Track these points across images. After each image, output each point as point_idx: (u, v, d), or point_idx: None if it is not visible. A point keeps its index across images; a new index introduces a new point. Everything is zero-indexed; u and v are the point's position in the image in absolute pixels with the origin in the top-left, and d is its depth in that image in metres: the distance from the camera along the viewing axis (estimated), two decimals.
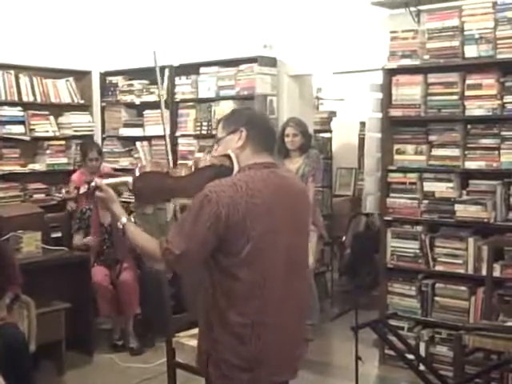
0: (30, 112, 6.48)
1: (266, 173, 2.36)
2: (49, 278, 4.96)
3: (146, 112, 6.73)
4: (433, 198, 4.75)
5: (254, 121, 2.46)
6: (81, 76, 6.99)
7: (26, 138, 6.42)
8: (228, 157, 2.41)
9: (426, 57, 4.70)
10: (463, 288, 4.61)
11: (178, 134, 6.43)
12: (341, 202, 7.54)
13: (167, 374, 3.78)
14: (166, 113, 5.86)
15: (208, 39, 6.31)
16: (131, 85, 6.86)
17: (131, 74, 6.89)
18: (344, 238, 6.73)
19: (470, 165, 4.58)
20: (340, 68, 5.78)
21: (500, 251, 4.47)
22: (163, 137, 6.30)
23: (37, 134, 6.53)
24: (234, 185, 2.27)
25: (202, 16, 6.39)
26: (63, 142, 6.77)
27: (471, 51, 4.50)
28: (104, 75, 7.10)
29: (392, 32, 4.85)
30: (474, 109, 4.52)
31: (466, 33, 4.52)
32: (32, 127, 6.48)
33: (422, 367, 4.12)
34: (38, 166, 6.53)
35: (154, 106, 6.59)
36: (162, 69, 6.03)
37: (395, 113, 4.86)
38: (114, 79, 7.04)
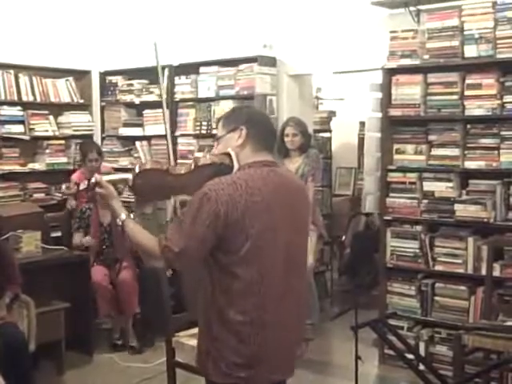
0: (29, 111, 6.47)
1: (266, 171, 2.36)
2: (48, 277, 4.96)
3: (146, 112, 6.73)
4: (432, 198, 4.75)
5: (254, 119, 2.46)
6: (80, 75, 6.98)
7: (26, 137, 6.41)
8: (228, 155, 2.41)
9: (426, 56, 4.70)
10: (463, 288, 4.62)
11: (177, 133, 6.43)
12: (340, 202, 7.54)
13: (167, 373, 3.78)
14: (166, 112, 5.86)
15: (208, 39, 6.31)
16: (131, 84, 6.86)
17: (131, 73, 6.89)
18: (344, 237, 6.72)
19: (470, 164, 4.59)
20: (340, 68, 5.78)
21: (500, 251, 4.47)
22: (164, 136, 6.34)
23: (36, 134, 6.52)
24: (234, 183, 2.27)
25: (201, 16, 6.39)
26: (63, 142, 6.77)
27: (471, 51, 4.50)
28: (104, 75, 7.10)
29: (392, 32, 4.86)
30: (474, 108, 4.52)
31: (465, 32, 4.52)
32: (32, 127, 6.48)
33: (421, 367, 4.12)
34: (37, 166, 6.53)
35: (154, 105, 6.60)
36: (162, 68, 6.02)
37: (395, 112, 4.86)
38: (113, 79, 7.04)
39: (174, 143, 6.37)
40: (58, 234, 6.05)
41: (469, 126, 4.61)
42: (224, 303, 2.30)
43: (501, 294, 4.41)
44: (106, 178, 2.49)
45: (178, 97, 6.44)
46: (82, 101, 6.94)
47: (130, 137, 6.89)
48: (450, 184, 4.67)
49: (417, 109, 4.75)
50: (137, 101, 6.79)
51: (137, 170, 2.46)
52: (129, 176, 2.47)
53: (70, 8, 6.76)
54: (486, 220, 4.48)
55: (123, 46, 6.86)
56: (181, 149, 6.40)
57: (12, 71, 6.38)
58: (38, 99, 6.58)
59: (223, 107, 5.94)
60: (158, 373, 4.59)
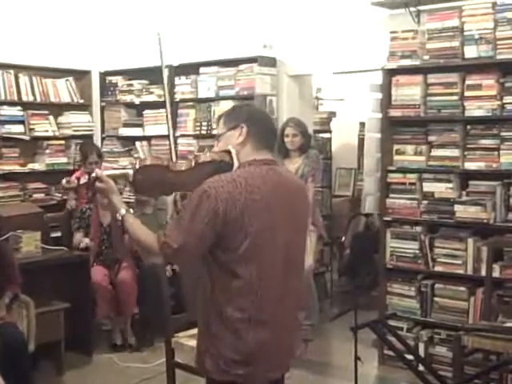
0: (29, 112, 6.47)
1: (266, 169, 2.37)
2: (48, 277, 4.96)
3: (146, 112, 6.73)
4: (432, 199, 4.75)
5: (254, 117, 2.47)
6: (80, 76, 6.98)
7: (26, 137, 6.41)
8: (228, 152, 2.41)
9: (426, 57, 4.70)
10: (462, 288, 4.61)
11: (177, 133, 6.42)
12: (340, 203, 7.54)
13: (166, 373, 3.78)
14: (168, 108, 5.86)
15: (208, 39, 6.31)
16: (131, 85, 6.86)
17: (131, 73, 6.90)
18: (343, 238, 6.72)
19: (470, 165, 4.58)
20: (340, 68, 5.78)
21: (499, 252, 4.47)
22: (164, 136, 6.35)
23: (36, 134, 6.52)
24: (233, 181, 2.27)
25: (201, 16, 6.39)
26: (63, 142, 6.77)
27: (471, 52, 4.50)
28: (104, 75, 7.10)
29: (392, 32, 4.86)
30: (474, 109, 4.52)
31: (465, 33, 4.52)
32: (31, 127, 6.48)
33: (421, 368, 4.11)
34: (37, 166, 6.53)
35: (154, 105, 6.61)
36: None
37: (395, 113, 4.86)
38: (113, 79, 7.04)
39: (174, 143, 6.37)
40: (58, 234, 6.05)
41: (469, 127, 4.61)
42: (223, 301, 2.31)
43: (500, 295, 4.40)
44: (106, 172, 2.49)
45: (178, 97, 6.44)
46: (82, 101, 6.94)
47: (129, 137, 6.90)
48: (450, 185, 4.67)
49: (417, 109, 4.75)
50: (137, 101, 6.79)
51: (137, 166, 2.46)
52: (129, 171, 2.47)
53: (70, 8, 6.76)
54: (485, 221, 4.48)
55: (123, 46, 6.86)
56: (181, 149, 6.40)
57: (12, 71, 6.38)
58: (38, 99, 6.59)
59: (223, 107, 5.92)
60: (158, 373, 4.59)
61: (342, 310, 6.12)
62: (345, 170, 8.02)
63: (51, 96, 6.71)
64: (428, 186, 4.78)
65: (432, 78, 4.70)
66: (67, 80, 6.84)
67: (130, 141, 6.93)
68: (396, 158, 4.91)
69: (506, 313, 4.31)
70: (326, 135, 7.52)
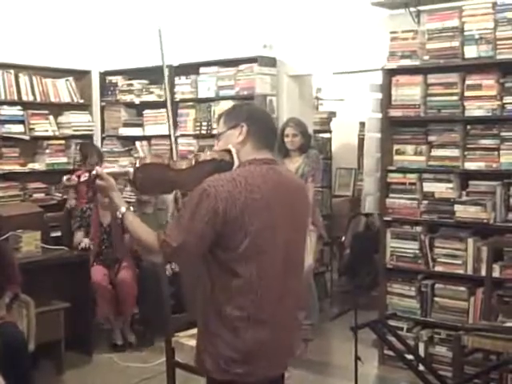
0: (29, 111, 6.47)
1: (266, 169, 2.37)
2: (48, 277, 4.96)
3: (146, 112, 6.73)
4: (432, 199, 4.75)
5: (254, 116, 2.46)
6: (80, 75, 6.98)
7: (26, 137, 6.41)
8: (228, 151, 2.41)
9: (426, 57, 4.70)
10: (462, 288, 4.62)
11: (177, 133, 6.42)
12: (340, 203, 7.54)
13: (166, 373, 3.79)
14: (169, 106, 5.87)
15: (208, 39, 6.31)
16: (131, 84, 6.86)
17: (131, 73, 6.90)
18: (343, 238, 6.73)
19: (470, 165, 4.59)
20: (340, 68, 5.78)
21: (499, 252, 4.47)
22: (164, 136, 6.36)
23: (36, 134, 6.52)
24: (233, 180, 2.27)
25: (201, 16, 6.39)
26: (63, 142, 6.77)
27: (471, 52, 4.50)
28: (104, 75, 7.10)
29: (392, 32, 4.86)
30: (474, 109, 4.52)
31: (465, 33, 4.52)
32: (31, 126, 6.48)
33: (421, 367, 4.11)
34: (37, 166, 6.53)
35: (154, 105, 6.62)
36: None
37: (395, 113, 4.86)
38: (113, 79, 7.04)
39: (174, 143, 6.38)
40: (58, 233, 6.06)
41: (469, 127, 4.61)
42: (222, 299, 2.31)
43: (500, 295, 4.40)
44: (106, 170, 2.49)
45: (178, 97, 6.44)
46: (82, 101, 6.95)
47: (129, 137, 6.90)
48: (450, 185, 4.67)
49: (417, 109, 4.75)
50: (137, 101, 6.79)
51: (137, 165, 2.46)
52: (129, 169, 2.47)
53: (70, 8, 6.76)
54: (485, 221, 4.48)
55: (123, 46, 6.86)
56: (181, 149, 6.39)
57: (12, 71, 6.38)
58: (38, 99, 6.59)
59: (223, 107, 5.90)
60: (158, 373, 4.59)
61: (342, 309, 6.13)
62: (345, 169, 8.03)
63: (51, 96, 6.71)
64: (428, 186, 4.78)
65: (432, 78, 4.70)
66: (67, 80, 6.84)
67: (129, 141, 6.93)
68: (396, 157, 4.91)
69: (506, 313, 4.31)
70: (326, 135, 7.52)
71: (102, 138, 7.09)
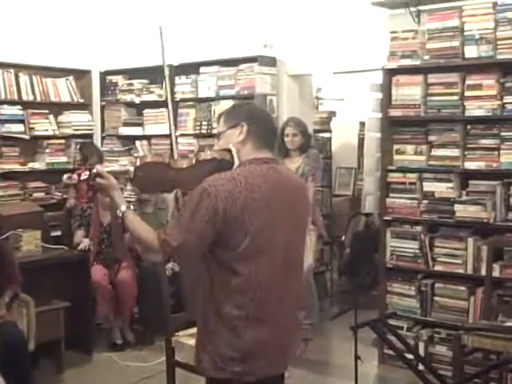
0: (29, 111, 6.48)
1: (266, 168, 2.37)
2: (48, 276, 4.96)
3: (146, 111, 6.74)
4: (432, 198, 4.75)
5: (255, 116, 2.47)
6: (81, 75, 6.99)
7: (26, 136, 6.41)
8: (229, 151, 2.41)
9: (426, 57, 4.70)
10: (462, 288, 4.62)
11: (177, 133, 6.42)
12: (340, 202, 7.54)
13: (166, 372, 3.79)
14: (167, 112, 5.88)
15: (208, 39, 6.31)
16: (131, 84, 6.86)
17: (131, 73, 6.90)
18: (343, 237, 6.73)
19: (470, 165, 4.59)
20: (340, 68, 5.78)
21: (499, 251, 4.47)
22: (164, 136, 6.36)
23: (36, 133, 6.53)
24: (234, 179, 2.28)
25: (202, 15, 6.39)
26: (63, 141, 6.78)
27: (471, 52, 4.50)
28: (104, 74, 7.11)
29: (392, 32, 4.86)
30: (474, 109, 4.52)
31: (466, 33, 4.52)
32: (32, 126, 6.48)
33: (421, 367, 4.11)
34: (37, 165, 6.53)
35: (154, 105, 6.62)
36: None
37: (395, 113, 4.86)
38: (113, 78, 7.04)
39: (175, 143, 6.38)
40: (58, 233, 6.07)
41: (469, 127, 4.61)
42: (221, 298, 2.31)
43: (500, 295, 4.41)
44: (106, 169, 2.49)
45: (178, 96, 6.44)
46: (82, 100, 6.95)
47: (130, 136, 6.90)
48: (450, 184, 4.67)
49: (417, 109, 4.75)
50: (137, 100, 6.80)
51: (138, 163, 2.46)
52: (130, 168, 2.47)
53: (71, 7, 6.77)
54: (485, 220, 4.48)
55: (123, 45, 6.86)
56: (181, 149, 6.39)
57: (12, 70, 6.39)
58: (38, 98, 6.59)
59: (223, 107, 5.91)
60: (158, 372, 4.59)
61: (342, 309, 6.14)
62: (345, 169, 8.03)
63: (51, 95, 6.71)
64: (428, 186, 4.78)
65: (432, 78, 4.70)
66: (67, 79, 6.84)
67: (130, 140, 6.93)
68: (396, 157, 4.91)
69: (506, 312, 4.31)
70: (326, 135, 7.52)
71: (102, 138, 7.10)
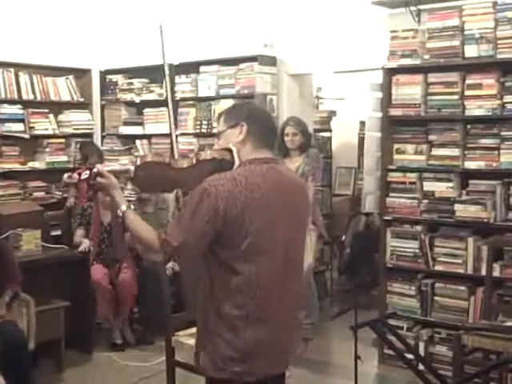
0: (29, 110, 6.47)
1: (266, 168, 2.37)
2: (48, 276, 4.97)
3: (146, 110, 6.74)
4: (432, 198, 4.75)
5: (254, 115, 2.46)
6: (81, 74, 6.99)
7: (26, 135, 6.41)
8: (229, 151, 2.41)
9: (426, 56, 4.70)
10: (463, 288, 4.62)
11: (177, 132, 6.42)
12: (340, 202, 7.54)
13: (166, 372, 3.78)
14: (167, 111, 5.87)
15: (208, 38, 6.31)
16: (131, 83, 6.86)
17: (131, 72, 6.90)
18: (344, 237, 6.73)
19: (470, 165, 4.59)
20: (340, 67, 5.78)
21: (499, 251, 4.47)
22: (164, 135, 6.36)
23: (36, 132, 6.53)
24: (234, 179, 2.28)
25: (202, 15, 6.38)
26: (63, 140, 6.78)
27: (471, 51, 4.50)
28: (104, 73, 7.11)
29: (392, 31, 4.86)
30: (474, 109, 4.52)
31: (466, 32, 4.52)
32: (32, 125, 6.48)
33: (421, 367, 4.11)
34: (37, 164, 6.53)
35: (154, 104, 6.61)
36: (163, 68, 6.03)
37: (395, 112, 4.86)
38: (113, 77, 7.04)
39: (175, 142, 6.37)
40: (58, 232, 6.07)
41: (469, 126, 4.61)
42: (221, 297, 2.31)
43: (500, 295, 4.41)
44: (107, 168, 2.49)
45: (178, 96, 6.44)
46: (82, 99, 6.95)
47: (130, 135, 6.90)
48: (450, 184, 4.67)
49: (417, 109, 4.75)
50: (137, 99, 6.80)
51: (138, 163, 2.46)
52: (130, 167, 2.47)
53: (71, 7, 6.76)
54: (485, 220, 4.48)
55: (124, 44, 6.86)
56: (181, 148, 6.38)
57: (12, 69, 6.39)
58: (38, 98, 6.59)
59: (223, 106, 5.90)
60: (158, 372, 4.59)
61: (342, 308, 6.14)
62: (345, 168, 8.02)
63: (51, 94, 6.71)
64: (428, 185, 4.78)
65: (432, 78, 4.70)
66: (67, 78, 6.84)
67: (130, 139, 6.93)
68: (396, 157, 4.91)
69: (506, 312, 4.31)
70: (327, 134, 7.52)
71: (102, 137, 7.10)
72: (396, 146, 4.91)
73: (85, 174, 2.48)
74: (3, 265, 4.28)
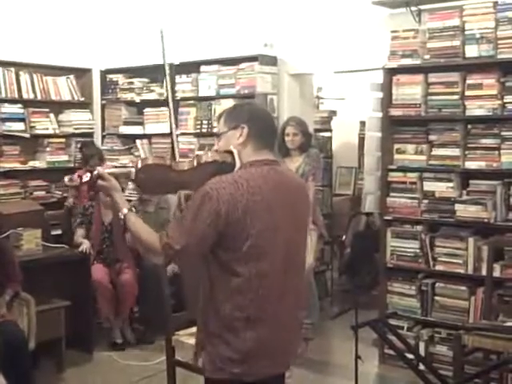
0: (30, 109, 6.48)
1: (266, 169, 2.37)
2: (49, 275, 4.97)
3: (146, 110, 6.73)
4: (433, 198, 4.75)
5: (255, 117, 2.46)
6: (81, 73, 6.99)
7: (26, 135, 6.41)
8: (230, 153, 2.41)
9: (427, 56, 4.70)
10: (463, 288, 4.62)
11: (178, 132, 6.41)
12: (341, 201, 7.54)
13: (167, 372, 3.78)
14: (167, 111, 5.88)
15: (209, 37, 6.31)
16: (131, 83, 6.86)
17: (132, 72, 6.90)
18: (344, 237, 6.73)
19: (471, 165, 4.59)
20: (340, 67, 5.78)
21: (500, 251, 4.47)
22: (164, 135, 6.36)
23: (37, 132, 6.53)
24: (235, 182, 2.28)
25: (202, 14, 6.38)
26: (63, 140, 6.78)
27: (472, 51, 4.50)
28: (104, 73, 7.11)
29: (393, 31, 4.86)
30: (475, 109, 4.52)
31: (466, 32, 4.52)
32: (32, 124, 6.48)
33: (421, 367, 4.13)
34: (38, 164, 6.54)
35: (155, 104, 6.61)
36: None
37: (395, 112, 4.86)
38: (114, 77, 7.04)
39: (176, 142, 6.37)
40: (59, 231, 6.07)
41: (469, 126, 4.61)
42: (222, 299, 2.31)
43: (501, 295, 4.41)
44: (108, 170, 2.49)
45: (178, 95, 6.44)
46: (82, 99, 6.96)
47: (130, 135, 6.90)
48: (451, 184, 4.67)
49: (417, 109, 4.75)
50: (137, 99, 6.79)
51: (139, 165, 2.46)
52: (131, 170, 2.47)
53: (71, 6, 6.77)
54: (486, 220, 4.48)
55: (124, 44, 6.86)
56: (181, 147, 6.39)
57: (13, 69, 6.39)
58: (39, 97, 6.59)
59: (224, 106, 5.91)
60: (158, 371, 4.59)
61: (343, 308, 6.14)
62: (345, 168, 8.02)
63: (52, 94, 6.71)
64: (428, 185, 4.78)
65: (433, 78, 4.70)
66: (68, 78, 6.84)
67: (130, 139, 6.93)
68: (396, 157, 4.91)
69: (507, 312, 4.31)
70: (327, 134, 7.53)
71: (103, 137, 7.10)
72: (396, 146, 4.91)
73: (86, 177, 2.48)
74: (4, 264, 4.28)
